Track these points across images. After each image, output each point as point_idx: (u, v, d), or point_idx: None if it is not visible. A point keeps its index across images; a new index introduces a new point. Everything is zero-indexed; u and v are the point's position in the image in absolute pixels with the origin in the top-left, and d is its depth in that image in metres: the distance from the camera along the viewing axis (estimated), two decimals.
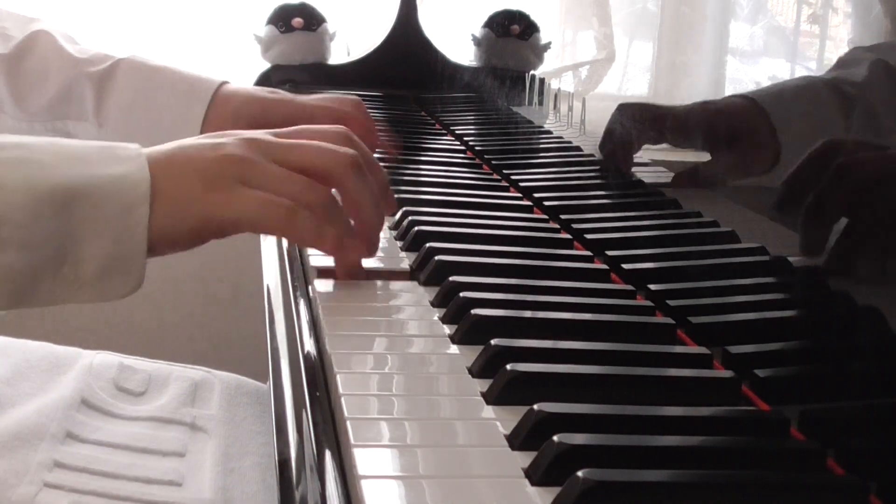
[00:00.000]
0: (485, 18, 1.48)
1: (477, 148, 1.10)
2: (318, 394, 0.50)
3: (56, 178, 0.59)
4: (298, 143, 0.65)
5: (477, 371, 0.52)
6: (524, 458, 0.43)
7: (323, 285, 0.64)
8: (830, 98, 0.60)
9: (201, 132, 0.92)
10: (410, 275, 0.68)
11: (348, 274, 0.66)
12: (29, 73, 0.97)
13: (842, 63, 0.60)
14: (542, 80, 1.30)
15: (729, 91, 0.81)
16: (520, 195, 0.91)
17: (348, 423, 0.45)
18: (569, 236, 0.77)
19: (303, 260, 0.70)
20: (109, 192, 0.59)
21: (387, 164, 0.99)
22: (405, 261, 0.70)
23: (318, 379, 0.52)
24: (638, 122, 0.83)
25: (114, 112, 0.95)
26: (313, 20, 1.45)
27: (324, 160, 0.64)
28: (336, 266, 0.66)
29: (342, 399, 0.47)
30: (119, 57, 0.97)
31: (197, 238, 0.63)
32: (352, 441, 0.43)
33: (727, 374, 0.53)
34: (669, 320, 0.60)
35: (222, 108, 0.94)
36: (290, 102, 0.95)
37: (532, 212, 0.86)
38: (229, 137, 0.64)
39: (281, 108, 0.93)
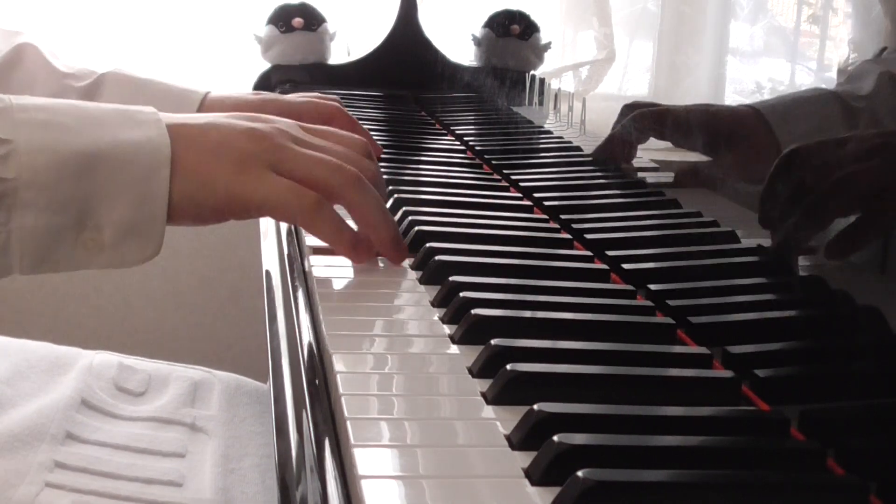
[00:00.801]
0: (485, 18, 1.48)
1: (477, 148, 1.11)
2: (318, 394, 0.50)
3: (79, 141, 0.60)
4: (312, 152, 0.66)
5: (477, 371, 0.52)
6: (524, 458, 0.43)
7: (323, 285, 0.64)
8: (835, 111, 0.60)
9: None
10: (411, 274, 0.68)
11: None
12: (16, 86, 0.98)
13: (851, 77, 0.60)
14: (542, 80, 1.30)
15: (729, 91, 0.81)
16: (520, 195, 0.91)
17: (348, 423, 0.45)
18: (569, 236, 0.77)
19: (303, 259, 0.70)
20: (131, 156, 0.60)
21: (388, 162, 0.99)
22: (405, 261, 0.70)
23: (318, 379, 0.52)
24: (641, 120, 0.83)
25: None
26: (313, 20, 1.45)
27: (327, 174, 0.65)
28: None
29: (342, 399, 0.47)
30: (103, 71, 0.98)
31: (219, 215, 0.64)
32: (352, 441, 0.43)
33: (727, 374, 0.53)
34: (669, 320, 0.60)
35: None
36: (277, 102, 0.96)
37: (532, 212, 0.86)
38: (261, 122, 0.66)
39: (269, 109, 0.94)
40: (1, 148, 0.58)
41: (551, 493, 0.40)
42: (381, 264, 0.69)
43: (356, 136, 0.73)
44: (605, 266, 0.70)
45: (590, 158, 1.03)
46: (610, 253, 0.71)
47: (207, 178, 0.62)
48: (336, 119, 0.91)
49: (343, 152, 0.68)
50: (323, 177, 0.65)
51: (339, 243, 0.66)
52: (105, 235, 0.60)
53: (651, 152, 0.88)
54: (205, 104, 0.95)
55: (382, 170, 0.94)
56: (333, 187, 0.65)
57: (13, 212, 0.58)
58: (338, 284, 0.65)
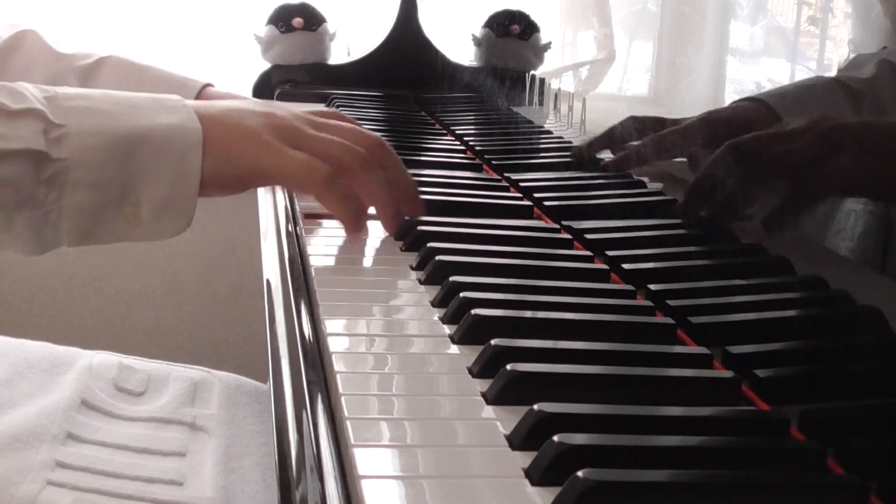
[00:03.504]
0: (485, 18, 1.49)
1: (477, 148, 1.11)
2: (318, 394, 0.50)
3: (123, 125, 0.65)
4: (326, 134, 0.73)
5: (477, 371, 0.52)
6: (524, 458, 0.43)
7: (323, 285, 0.64)
8: (838, 95, 0.61)
9: None
10: (411, 274, 0.68)
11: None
12: (15, 70, 0.99)
13: (850, 66, 0.61)
14: (542, 80, 1.30)
15: (729, 91, 0.81)
16: (520, 195, 0.91)
17: (348, 423, 0.45)
18: (569, 236, 0.77)
19: (303, 259, 0.70)
20: (167, 139, 0.66)
21: None
22: (405, 261, 0.70)
23: (318, 379, 0.52)
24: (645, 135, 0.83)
25: None
26: (313, 20, 1.45)
27: (339, 152, 0.72)
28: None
29: (342, 399, 0.47)
30: (104, 55, 0.98)
31: (243, 185, 0.71)
32: (352, 441, 0.43)
33: (727, 374, 0.52)
34: (669, 320, 0.60)
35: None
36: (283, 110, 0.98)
37: (532, 212, 0.86)
38: (277, 109, 0.73)
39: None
40: (55, 132, 0.63)
41: (551, 493, 0.40)
42: (381, 264, 0.69)
43: (367, 132, 0.77)
44: (605, 266, 0.70)
45: (590, 158, 1.03)
46: (610, 253, 0.71)
47: (232, 156, 0.68)
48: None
49: (353, 138, 0.73)
50: (334, 154, 0.70)
51: (344, 216, 0.72)
52: (143, 211, 0.66)
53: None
54: (203, 96, 0.96)
55: None
56: (343, 165, 0.71)
57: (64, 189, 0.63)
58: (338, 285, 0.65)
